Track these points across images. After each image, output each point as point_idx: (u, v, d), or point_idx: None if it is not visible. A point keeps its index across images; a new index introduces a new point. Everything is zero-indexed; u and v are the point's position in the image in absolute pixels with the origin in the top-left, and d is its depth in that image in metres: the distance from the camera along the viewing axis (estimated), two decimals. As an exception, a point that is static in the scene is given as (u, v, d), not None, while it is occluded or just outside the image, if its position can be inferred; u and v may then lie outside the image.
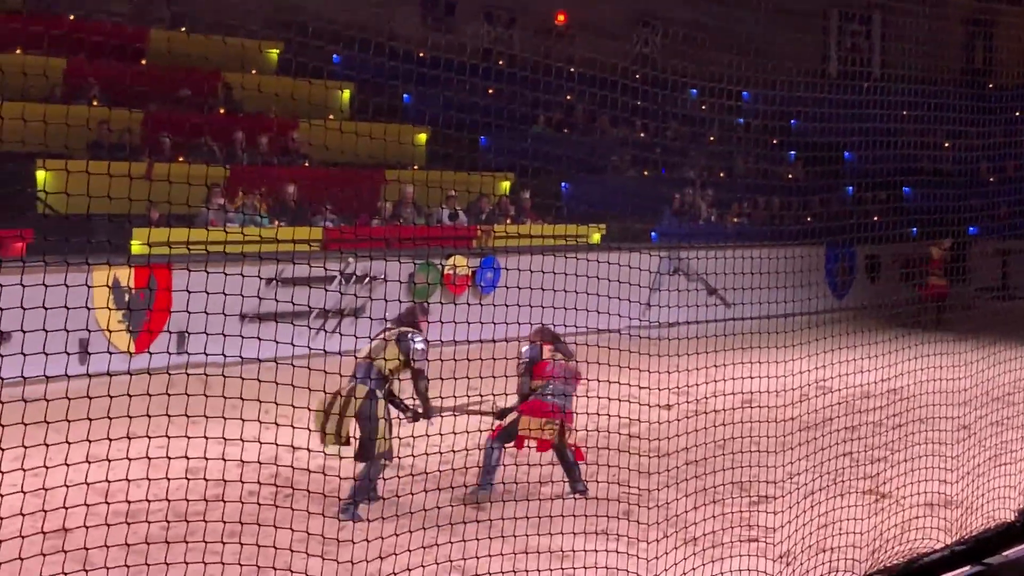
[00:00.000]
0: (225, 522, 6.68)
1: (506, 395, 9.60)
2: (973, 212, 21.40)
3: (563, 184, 22.39)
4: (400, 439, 8.28)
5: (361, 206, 18.79)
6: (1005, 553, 5.36)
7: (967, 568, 5.03)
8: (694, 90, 18.98)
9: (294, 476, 7.33)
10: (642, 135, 23.93)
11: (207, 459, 6.55)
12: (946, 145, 21.78)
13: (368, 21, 18.63)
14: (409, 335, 9.61)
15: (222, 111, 20.27)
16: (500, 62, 22.10)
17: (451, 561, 7.19)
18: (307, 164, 19.89)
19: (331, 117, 20.00)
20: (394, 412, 9.55)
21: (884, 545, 7.63)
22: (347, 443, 9.17)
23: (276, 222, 17.21)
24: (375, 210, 18.92)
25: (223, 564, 6.45)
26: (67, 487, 5.86)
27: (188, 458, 6.44)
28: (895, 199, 24.18)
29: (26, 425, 5.58)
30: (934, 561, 5.09)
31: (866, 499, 9.23)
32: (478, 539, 7.24)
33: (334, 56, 20.72)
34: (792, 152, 25.94)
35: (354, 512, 8.96)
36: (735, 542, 8.14)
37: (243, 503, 6.74)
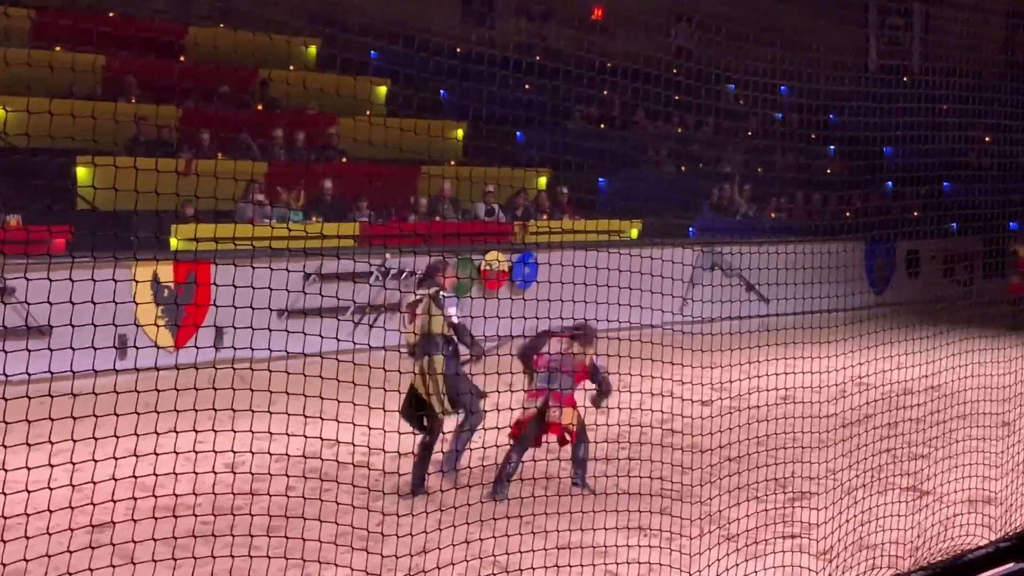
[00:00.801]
0: (269, 516, 6.73)
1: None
2: (1014, 207, 21.24)
3: (600, 179, 22.36)
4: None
5: (398, 202, 18.85)
6: (1050, 552, 5.33)
7: (1011, 565, 5.00)
8: (732, 84, 18.95)
9: (335, 471, 7.36)
10: (680, 130, 23.88)
11: (252, 453, 6.60)
12: (987, 140, 21.62)
13: (406, 16, 18.61)
14: (440, 294, 9.65)
15: (260, 107, 20.38)
16: (537, 57, 22.10)
17: (489, 557, 7.21)
18: (344, 160, 19.97)
19: (368, 113, 20.08)
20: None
21: (926, 542, 7.58)
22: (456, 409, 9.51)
23: (314, 217, 17.28)
24: (412, 206, 18.97)
25: (268, 558, 6.50)
26: (114, 481, 5.92)
27: (232, 452, 6.49)
28: (935, 194, 24.00)
29: (74, 419, 5.65)
30: (977, 558, 5.05)
31: (907, 496, 9.16)
32: (517, 535, 7.26)
33: (371, 52, 20.80)
34: (831, 147, 25.80)
35: (452, 469, 9.27)
36: (775, 539, 8.11)
37: (287, 497, 6.77)
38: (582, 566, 7.27)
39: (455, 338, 9.64)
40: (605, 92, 22.11)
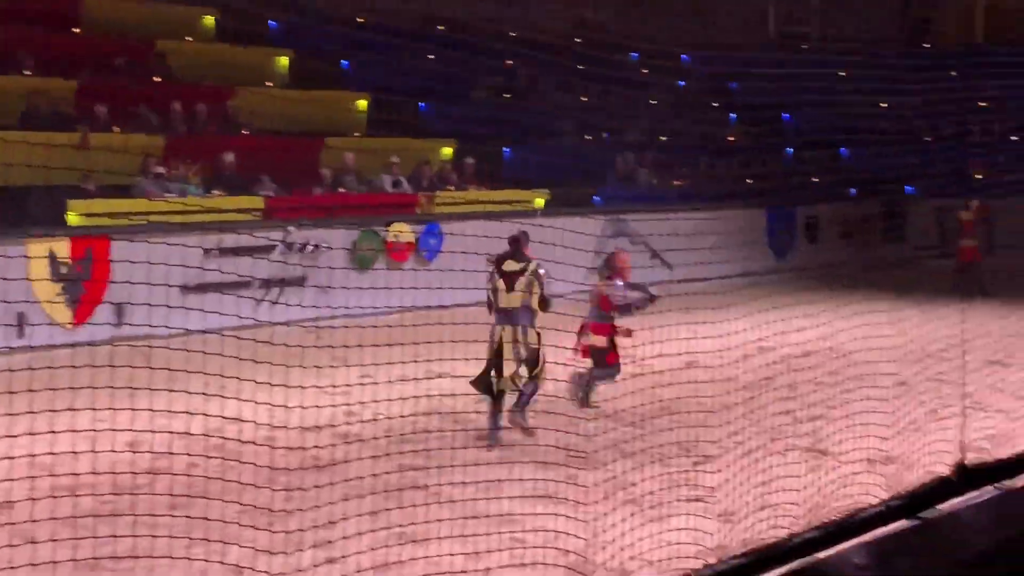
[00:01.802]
0: (172, 495, 6.67)
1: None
2: (910, 171, 21.61)
3: (505, 150, 22.36)
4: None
5: (301, 175, 18.67)
6: (939, 507, 5.46)
7: (902, 523, 5.13)
8: (635, 54, 19.03)
9: (239, 448, 7.31)
10: (584, 100, 23.93)
11: (153, 432, 6.53)
12: (883, 105, 22.01)
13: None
14: (538, 266, 10.51)
15: (158, 79, 20.02)
16: (441, 27, 21.99)
17: (396, 528, 7.22)
18: (246, 132, 19.72)
19: (269, 84, 19.83)
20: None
21: (823, 501, 7.74)
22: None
23: (216, 192, 17.06)
24: (316, 178, 18.81)
25: (171, 537, 6.44)
26: (10, 460, 5.82)
27: (133, 431, 6.42)
28: (834, 160, 24.38)
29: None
30: (870, 516, 5.18)
31: (806, 456, 9.35)
32: (424, 505, 7.27)
33: (271, 22, 20.55)
34: (733, 114, 26.05)
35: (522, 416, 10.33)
36: (678, 502, 8.23)
37: (189, 475, 6.72)
38: (488, 535, 7.30)
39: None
40: (509, 63, 22.11)
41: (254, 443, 7.08)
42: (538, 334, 10.41)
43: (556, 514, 7.53)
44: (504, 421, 10.31)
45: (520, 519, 7.72)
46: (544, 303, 10.50)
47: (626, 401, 9.91)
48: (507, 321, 10.39)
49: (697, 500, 8.45)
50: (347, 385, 9.42)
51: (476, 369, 9.98)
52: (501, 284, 10.50)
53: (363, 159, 18.48)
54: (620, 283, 11.61)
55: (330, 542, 6.95)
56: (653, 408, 9.62)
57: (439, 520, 7.21)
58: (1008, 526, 5.38)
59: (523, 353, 10.33)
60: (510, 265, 10.54)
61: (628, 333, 11.09)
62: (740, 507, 7.75)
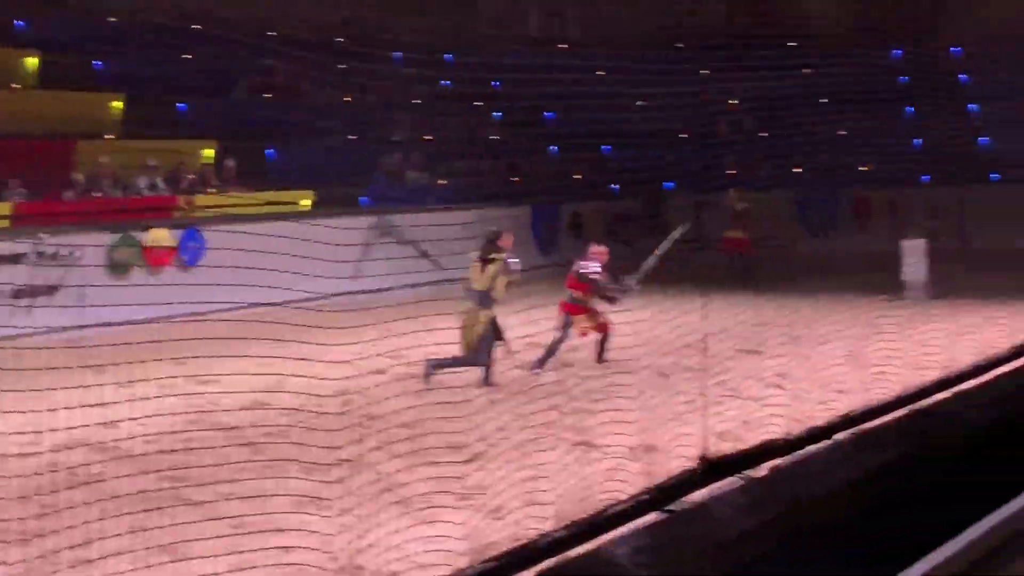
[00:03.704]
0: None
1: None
2: (669, 168, 22.31)
3: (269, 150, 22.01)
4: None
5: (53, 179, 17.91)
6: (687, 499, 5.68)
7: (652, 516, 5.30)
8: (398, 53, 18.99)
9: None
10: (348, 99, 23.77)
11: None
12: (640, 104, 22.62)
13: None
14: (509, 262, 12.88)
15: None
16: (198, 26, 21.45)
17: (158, 544, 7.00)
18: (-7, 135, 18.82)
19: (16, 86, 18.97)
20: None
21: (590, 494, 7.89)
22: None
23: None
24: (68, 183, 18.07)
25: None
26: None
27: None
28: (596, 158, 24.93)
29: None
30: (620, 511, 5.32)
31: (573, 450, 9.52)
32: (188, 522, 7.09)
33: (17, 21, 19.65)
34: (497, 113, 26.34)
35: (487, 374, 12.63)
36: (447, 502, 8.25)
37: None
38: (257, 549, 7.16)
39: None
40: (271, 61, 21.75)
41: (7, 457, 6.75)
42: (488, 324, 12.56)
43: (325, 516, 7.46)
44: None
45: (288, 527, 7.60)
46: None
47: (400, 402, 9.93)
48: (473, 301, 12.72)
49: (468, 498, 8.50)
50: (114, 395, 9.13)
51: (241, 375, 9.77)
52: (476, 270, 12.80)
53: (119, 161, 17.87)
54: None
55: (89, 561, 6.69)
56: (424, 408, 9.64)
57: (208, 537, 7.04)
58: (750, 515, 5.61)
59: (482, 333, 12.57)
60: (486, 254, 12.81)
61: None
62: (509, 503, 7.83)
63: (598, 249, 14.21)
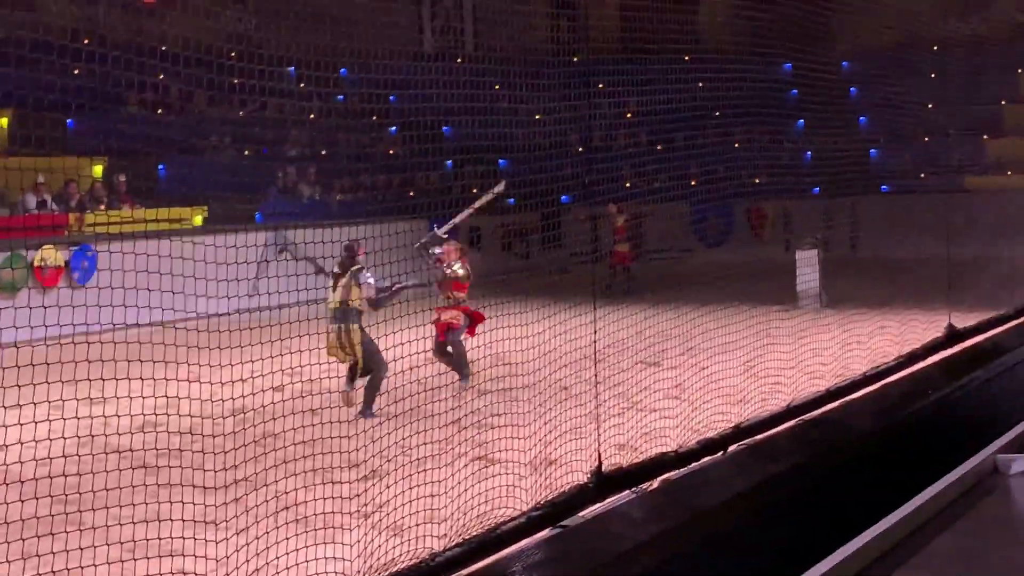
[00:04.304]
0: None
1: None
2: (566, 181, 22.47)
3: (160, 166, 21.71)
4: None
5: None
6: (581, 514, 5.70)
7: (546, 532, 5.31)
8: (292, 68, 18.87)
9: None
10: (241, 114, 23.54)
11: None
12: (536, 117, 22.73)
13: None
14: (359, 272, 12.60)
15: None
16: (86, 40, 21.04)
17: (50, 571, 6.85)
18: None
19: None
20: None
21: (489, 510, 7.90)
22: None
23: None
24: (-46, 200, 17.67)
25: None
26: None
27: None
28: (492, 172, 24.98)
29: None
30: (513, 528, 5.32)
31: (473, 465, 9.52)
32: (83, 547, 6.95)
33: None
34: (393, 128, 26.26)
35: (369, 412, 12.26)
36: (345, 520, 8.21)
37: None
38: (153, 573, 7.05)
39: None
40: (161, 77, 21.44)
41: None
42: (361, 331, 12.42)
43: (220, 540, 7.37)
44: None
45: (185, 549, 7.49)
46: (372, 303, 12.46)
47: (294, 420, 9.80)
48: (333, 320, 12.50)
49: (367, 516, 8.47)
50: (3, 417, 8.92)
51: (134, 397, 9.62)
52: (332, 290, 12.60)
53: (5, 179, 17.48)
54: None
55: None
56: (322, 427, 9.55)
57: (100, 559, 6.91)
58: (645, 527, 5.67)
59: (357, 352, 12.39)
60: (341, 269, 12.57)
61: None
62: (408, 520, 7.81)
63: (448, 247, 14.46)
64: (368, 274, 12.66)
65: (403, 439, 9.21)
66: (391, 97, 24.52)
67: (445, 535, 7.02)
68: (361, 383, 12.78)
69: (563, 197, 24.44)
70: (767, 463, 7.62)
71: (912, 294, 17.63)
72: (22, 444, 7.64)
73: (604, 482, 6.08)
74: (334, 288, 12.69)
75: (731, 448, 8.02)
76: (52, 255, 16.65)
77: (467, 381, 13.53)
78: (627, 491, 6.04)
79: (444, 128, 25.54)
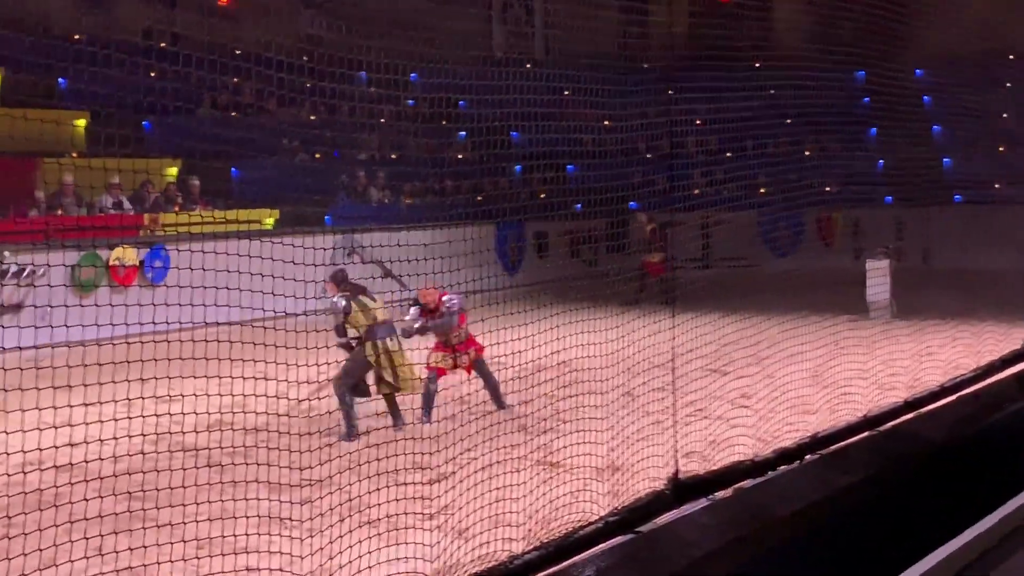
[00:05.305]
0: None
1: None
2: (633, 189, 22.40)
3: (233, 169, 21.93)
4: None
5: (16, 197, 17.76)
6: (656, 521, 5.67)
7: (619, 538, 5.28)
8: (363, 72, 18.98)
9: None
10: (313, 117, 23.73)
11: None
12: (606, 124, 22.70)
13: (14, 1, 17.61)
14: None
15: None
16: (163, 44, 21.36)
17: (123, 566, 6.93)
18: (-46, 153, 18.65)
19: (-22, 103, 18.85)
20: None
21: (555, 515, 7.88)
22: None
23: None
24: (31, 201, 17.94)
25: None
26: None
27: None
28: (560, 177, 24.96)
29: None
30: (588, 534, 5.30)
31: (539, 470, 9.50)
32: (152, 544, 7.02)
33: (-21, 39, 19.50)
34: (462, 132, 26.35)
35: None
36: (414, 522, 8.22)
37: None
38: (223, 571, 7.10)
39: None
40: (235, 79, 21.68)
41: None
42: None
43: (292, 536, 7.41)
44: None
45: (254, 547, 7.55)
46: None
47: (365, 423, 9.86)
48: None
49: (432, 518, 8.48)
50: (78, 415, 9.05)
51: (206, 394, 9.72)
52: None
53: (83, 179, 17.75)
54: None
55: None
56: (392, 429, 9.60)
57: (170, 555, 6.98)
58: (718, 536, 5.62)
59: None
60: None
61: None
62: (475, 524, 7.80)
63: (425, 291, 13.26)
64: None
65: (481, 442, 9.19)
66: (460, 102, 24.62)
67: (521, 538, 7.01)
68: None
69: (631, 203, 24.44)
70: (840, 473, 7.53)
71: (987, 306, 17.35)
72: (98, 441, 7.73)
73: (681, 489, 6.04)
74: (373, 305, 12.64)
75: (805, 458, 7.94)
76: (127, 255, 16.88)
77: (504, 408, 12.92)
78: (702, 498, 5.99)
79: (512, 133, 25.60)
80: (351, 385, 12.04)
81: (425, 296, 13.04)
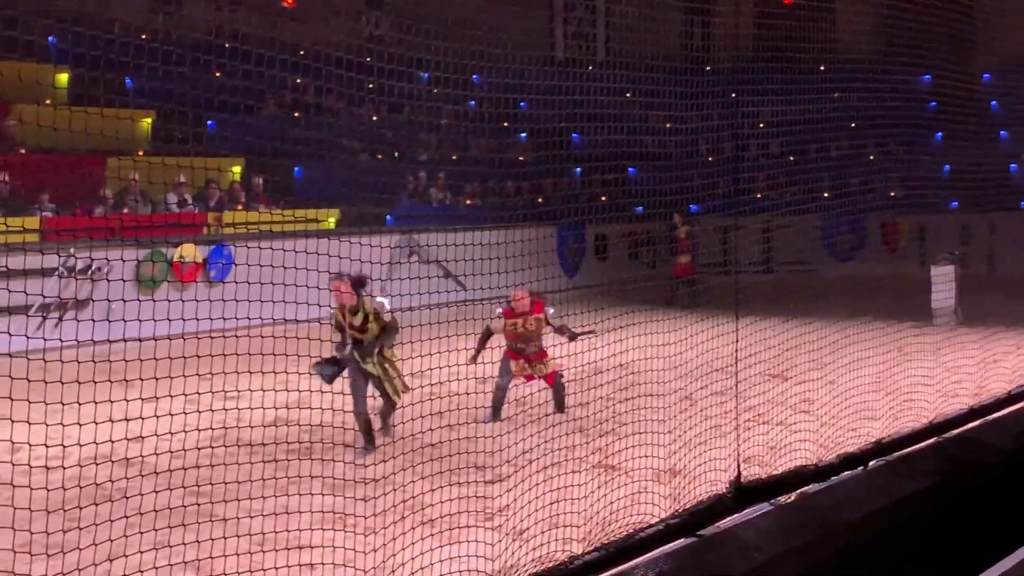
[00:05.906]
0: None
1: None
2: (695, 191, 22.27)
3: (296, 168, 22.09)
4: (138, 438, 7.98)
5: (83, 194, 18.01)
6: (718, 524, 5.61)
7: (680, 541, 5.24)
8: (425, 73, 19.05)
9: (20, 478, 6.96)
10: (375, 118, 23.86)
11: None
12: (667, 126, 22.61)
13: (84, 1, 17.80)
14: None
15: (-74, 94, 19.09)
16: (226, 44, 21.50)
17: (185, 560, 7.00)
18: (23, 151, 18.93)
19: (48, 101, 19.09)
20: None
21: (613, 517, 7.84)
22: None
23: (-10, 211, 16.33)
24: (98, 198, 18.18)
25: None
26: None
27: None
28: (621, 180, 24.90)
29: None
30: (649, 535, 5.27)
31: (597, 472, 9.47)
32: (213, 538, 7.07)
33: (49, 37, 19.77)
34: (523, 134, 26.38)
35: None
36: (472, 522, 8.22)
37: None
38: (281, 566, 7.15)
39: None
40: (298, 80, 21.83)
41: (31, 468, 6.73)
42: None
43: (350, 536, 7.44)
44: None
45: (313, 545, 7.59)
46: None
47: (421, 422, 9.84)
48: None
49: (490, 518, 8.47)
50: (141, 410, 9.14)
51: (266, 391, 9.79)
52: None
53: (148, 178, 17.94)
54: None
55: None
56: (448, 429, 9.58)
57: (231, 553, 7.02)
58: (780, 541, 5.56)
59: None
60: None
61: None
62: (533, 525, 7.79)
63: (517, 294, 13.04)
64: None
65: (530, 447, 9.18)
66: (521, 103, 24.64)
67: (580, 540, 6.98)
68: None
69: (691, 207, 24.33)
70: (904, 480, 7.43)
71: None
72: (158, 436, 7.82)
73: (743, 493, 5.99)
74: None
75: (870, 464, 7.84)
76: (191, 252, 17.06)
77: (563, 411, 12.77)
78: (764, 503, 5.93)
79: (573, 135, 25.57)
80: (360, 398, 11.62)
81: (516, 299, 12.93)
